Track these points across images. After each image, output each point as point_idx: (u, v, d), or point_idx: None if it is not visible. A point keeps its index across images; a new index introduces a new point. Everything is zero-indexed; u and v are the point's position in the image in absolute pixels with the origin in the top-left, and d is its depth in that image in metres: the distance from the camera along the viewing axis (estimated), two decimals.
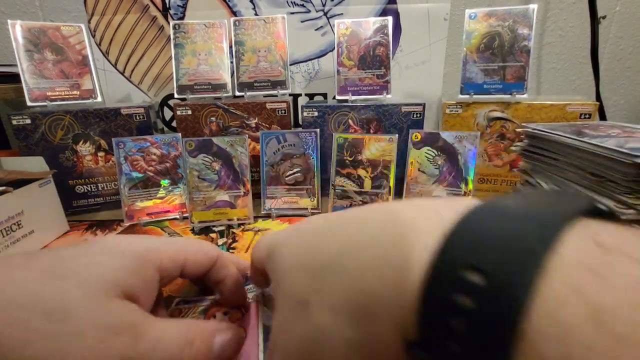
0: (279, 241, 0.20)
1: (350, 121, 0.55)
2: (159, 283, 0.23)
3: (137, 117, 0.56)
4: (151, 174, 0.51)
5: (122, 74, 0.71)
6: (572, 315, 0.09)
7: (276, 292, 0.19)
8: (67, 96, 0.55)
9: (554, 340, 0.09)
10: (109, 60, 0.70)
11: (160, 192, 0.52)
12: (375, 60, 0.56)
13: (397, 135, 0.50)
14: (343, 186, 0.51)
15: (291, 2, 0.67)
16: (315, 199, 0.52)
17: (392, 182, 0.50)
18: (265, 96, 0.59)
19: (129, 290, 0.20)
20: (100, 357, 0.17)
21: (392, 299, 0.12)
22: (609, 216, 0.12)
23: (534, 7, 0.51)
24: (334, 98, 0.59)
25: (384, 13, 0.67)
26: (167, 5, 0.67)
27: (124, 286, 0.20)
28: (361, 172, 0.50)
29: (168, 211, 0.52)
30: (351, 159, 0.51)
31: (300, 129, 0.53)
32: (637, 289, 0.09)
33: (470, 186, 0.47)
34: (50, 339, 0.17)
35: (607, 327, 0.08)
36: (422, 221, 0.13)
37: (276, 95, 0.58)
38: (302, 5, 0.67)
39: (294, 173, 0.52)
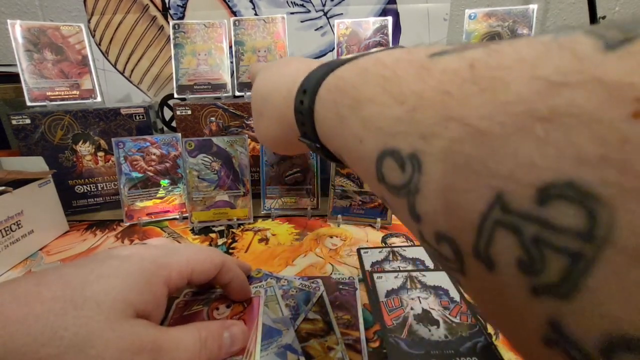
0: (258, 68, 0.32)
1: None
2: (167, 297, 0.24)
3: (137, 117, 0.56)
4: (151, 174, 0.51)
5: (122, 73, 0.71)
6: (324, 90, 0.20)
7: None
8: (66, 96, 0.55)
9: (323, 101, 0.20)
10: (108, 60, 0.70)
11: (160, 192, 0.52)
12: None
13: None
14: (343, 186, 0.51)
15: (291, 2, 0.67)
16: (315, 199, 0.53)
17: None
18: None
19: (141, 307, 0.21)
20: None
21: (289, 110, 0.23)
22: None
23: (533, 7, 0.52)
24: None
25: (383, 13, 0.67)
26: (167, 5, 0.67)
27: (136, 305, 0.21)
28: None
29: (168, 211, 0.52)
30: None
31: None
32: (341, 75, 0.19)
33: None
34: None
35: (332, 89, 0.19)
36: (301, 72, 0.23)
37: None
38: (302, 5, 0.67)
39: (293, 173, 0.52)
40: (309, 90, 0.20)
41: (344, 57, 0.21)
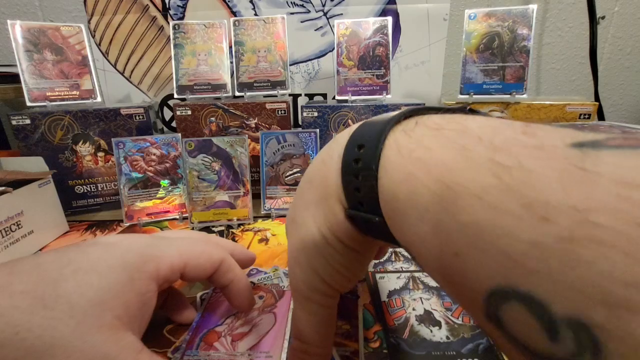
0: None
1: (350, 121, 0.55)
2: (157, 293, 0.22)
3: (137, 118, 0.55)
4: (151, 174, 0.51)
5: (122, 74, 0.71)
6: (394, 152, 0.15)
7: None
8: (66, 96, 0.55)
9: (394, 165, 0.15)
10: (108, 61, 0.70)
11: (160, 193, 0.52)
12: (375, 61, 0.56)
13: None
14: None
15: (291, 3, 0.67)
16: None
17: None
18: (265, 96, 0.59)
19: (121, 312, 0.19)
20: None
21: (335, 187, 0.18)
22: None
23: (533, 7, 0.52)
24: (333, 98, 0.59)
25: (383, 13, 0.67)
26: (167, 6, 0.67)
27: (116, 309, 0.19)
28: None
29: (168, 211, 0.52)
30: None
31: (300, 129, 0.53)
32: (420, 140, 0.14)
33: None
34: None
35: (406, 154, 0.14)
36: (340, 138, 0.20)
37: (276, 96, 0.58)
38: (302, 6, 0.67)
39: (293, 173, 0.52)
40: (368, 144, 0.16)
41: (395, 113, 0.17)
